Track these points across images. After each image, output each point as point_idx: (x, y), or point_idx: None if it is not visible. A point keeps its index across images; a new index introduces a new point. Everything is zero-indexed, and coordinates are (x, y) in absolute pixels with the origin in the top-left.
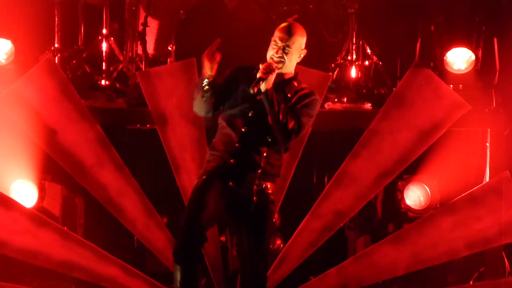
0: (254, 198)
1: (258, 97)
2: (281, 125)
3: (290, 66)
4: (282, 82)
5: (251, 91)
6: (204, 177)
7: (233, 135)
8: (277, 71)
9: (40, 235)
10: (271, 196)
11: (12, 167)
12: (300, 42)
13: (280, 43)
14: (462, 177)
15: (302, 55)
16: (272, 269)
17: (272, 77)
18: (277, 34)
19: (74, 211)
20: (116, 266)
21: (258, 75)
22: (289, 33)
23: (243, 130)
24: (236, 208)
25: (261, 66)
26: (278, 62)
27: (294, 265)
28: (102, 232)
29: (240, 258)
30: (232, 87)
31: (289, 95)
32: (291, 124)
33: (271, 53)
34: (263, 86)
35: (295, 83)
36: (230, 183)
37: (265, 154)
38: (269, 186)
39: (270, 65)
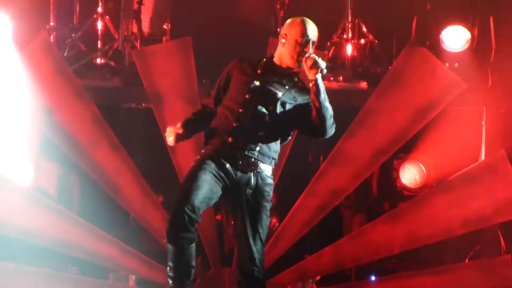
0: (251, 180)
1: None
2: (330, 114)
3: None
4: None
5: (315, 77)
6: (201, 159)
7: (230, 115)
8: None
9: (35, 214)
10: (269, 179)
11: (7, 146)
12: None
13: (308, 38)
14: (458, 155)
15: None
16: (268, 247)
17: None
18: (303, 29)
19: (70, 190)
20: (112, 244)
21: (311, 62)
22: (314, 28)
23: (240, 110)
24: (233, 190)
25: (305, 58)
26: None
27: (290, 244)
28: (98, 211)
29: (237, 241)
30: (227, 82)
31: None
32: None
33: (299, 50)
34: (324, 69)
35: (300, 81)
36: (227, 165)
37: (261, 134)
38: (266, 168)
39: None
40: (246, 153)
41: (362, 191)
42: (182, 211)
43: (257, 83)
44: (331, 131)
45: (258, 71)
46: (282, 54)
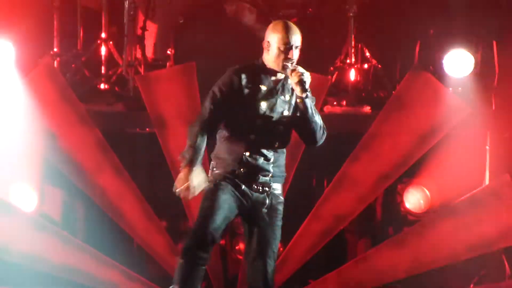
0: (266, 200)
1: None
2: (319, 126)
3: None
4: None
5: (302, 95)
6: (217, 180)
7: (241, 144)
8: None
9: (40, 239)
10: (281, 197)
11: (11, 171)
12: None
13: (292, 44)
14: (462, 180)
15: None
16: None
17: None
18: (284, 37)
19: (74, 216)
20: (116, 270)
21: (297, 79)
22: (297, 33)
23: (251, 137)
24: (250, 210)
25: (289, 71)
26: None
27: (294, 268)
28: (102, 236)
29: (250, 261)
30: (233, 96)
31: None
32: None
33: (284, 57)
34: (307, 83)
35: (288, 88)
36: (243, 186)
37: (272, 160)
38: (278, 187)
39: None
40: (259, 179)
41: (367, 215)
42: (206, 230)
43: (263, 107)
44: (321, 141)
45: (260, 86)
46: (268, 60)
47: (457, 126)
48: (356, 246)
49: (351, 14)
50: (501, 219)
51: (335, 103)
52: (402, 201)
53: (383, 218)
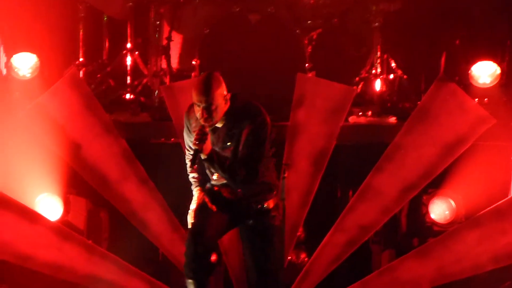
0: (251, 220)
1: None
2: (233, 179)
3: (220, 114)
4: (217, 129)
5: (193, 167)
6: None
7: (210, 178)
8: (217, 125)
9: (64, 248)
10: (272, 213)
11: (37, 181)
12: (218, 93)
13: (201, 105)
14: (487, 191)
15: (227, 98)
16: (296, 283)
17: (208, 142)
18: (194, 97)
19: (99, 225)
20: (141, 279)
21: (193, 147)
22: (205, 94)
23: (214, 178)
24: (238, 224)
25: (192, 137)
26: (209, 123)
27: (319, 279)
28: (127, 245)
29: (247, 275)
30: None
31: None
32: (242, 174)
33: (199, 117)
34: (203, 156)
35: (235, 112)
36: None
37: (240, 191)
38: (266, 204)
39: (201, 132)
40: (239, 205)
41: (391, 226)
42: (196, 243)
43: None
44: (242, 187)
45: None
46: None
47: (482, 137)
48: (380, 257)
49: (376, 25)
50: None
51: (360, 113)
52: (427, 212)
53: (408, 229)
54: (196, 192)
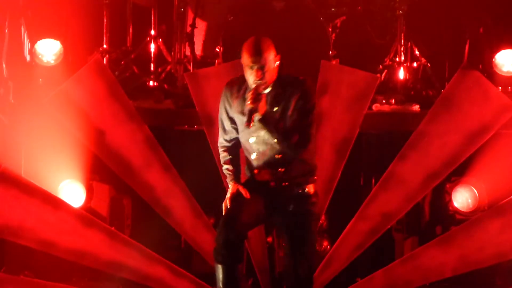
0: (291, 204)
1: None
2: (285, 143)
3: (273, 76)
4: (273, 90)
5: (247, 127)
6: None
7: (250, 161)
8: (265, 91)
9: (87, 235)
10: (312, 199)
11: (60, 167)
12: (271, 54)
13: (255, 66)
14: (510, 179)
15: (278, 61)
16: (319, 270)
17: (262, 103)
18: (247, 59)
19: (122, 212)
20: (163, 266)
21: (248, 108)
22: (258, 54)
23: (253, 157)
24: (277, 212)
25: (247, 96)
26: (263, 85)
27: (341, 267)
28: (150, 232)
29: (284, 261)
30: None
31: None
32: (294, 139)
33: (252, 79)
34: (257, 117)
35: (283, 81)
36: (264, 187)
37: (283, 170)
38: (307, 188)
39: (256, 91)
40: (277, 188)
41: (414, 214)
42: (229, 229)
43: (258, 116)
44: (295, 154)
45: (254, 115)
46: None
47: (506, 125)
48: (403, 245)
49: (400, 12)
50: None
51: (384, 101)
52: (450, 200)
53: (430, 217)
54: (231, 184)
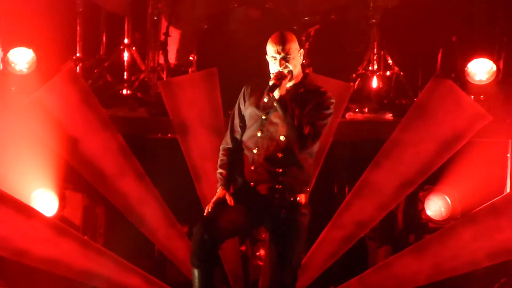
0: (283, 211)
1: (268, 107)
2: (297, 130)
3: (296, 71)
4: (293, 89)
5: (265, 99)
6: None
7: (249, 158)
8: (288, 81)
9: (60, 244)
10: (302, 209)
11: (33, 176)
12: (295, 45)
13: (279, 56)
14: (483, 187)
15: (301, 55)
16: None
17: (285, 83)
18: (272, 49)
19: (95, 220)
20: (136, 275)
21: (271, 82)
22: (283, 42)
23: (254, 151)
24: (267, 219)
25: (272, 76)
26: (287, 73)
27: (315, 275)
28: (123, 241)
29: (269, 269)
30: (242, 108)
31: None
32: (306, 130)
33: (276, 70)
34: (276, 93)
35: (306, 85)
36: (255, 194)
37: (280, 171)
38: (298, 197)
39: (281, 72)
40: (269, 192)
41: (388, 223)
42: (206, 231)
43: (264, 116)
44: (302, 146)
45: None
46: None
47: (478, 134)
48: (377, 253)
49: (374, 21)
50: None
51: (357, 110)
52: (423, 209)
53: (404, 225)
54: (219, 189)
